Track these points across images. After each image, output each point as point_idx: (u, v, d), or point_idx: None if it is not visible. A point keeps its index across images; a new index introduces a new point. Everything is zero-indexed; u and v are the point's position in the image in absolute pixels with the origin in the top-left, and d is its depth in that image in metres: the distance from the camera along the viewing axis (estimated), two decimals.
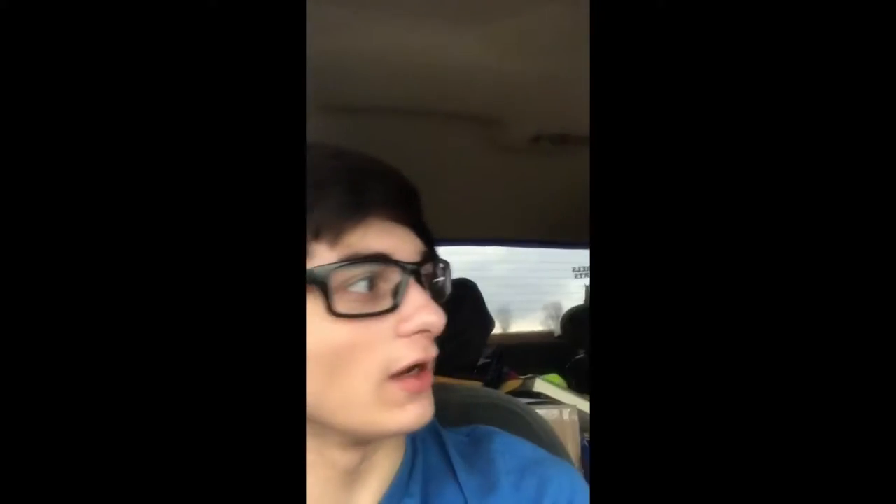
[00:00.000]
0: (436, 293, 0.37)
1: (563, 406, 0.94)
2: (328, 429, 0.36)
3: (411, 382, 0.34)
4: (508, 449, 0.42)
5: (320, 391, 0.33)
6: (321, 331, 0.33)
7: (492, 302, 1.11)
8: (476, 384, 0.67)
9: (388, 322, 0.34)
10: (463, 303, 0.96)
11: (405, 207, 0.36)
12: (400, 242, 0.35)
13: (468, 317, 0.96)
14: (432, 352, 0.35)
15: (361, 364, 0.33)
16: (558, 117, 0.87)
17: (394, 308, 0.34)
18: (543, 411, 0.84)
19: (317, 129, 0.83)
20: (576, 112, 0.84)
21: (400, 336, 0.34)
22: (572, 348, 1.68)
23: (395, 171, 0.37)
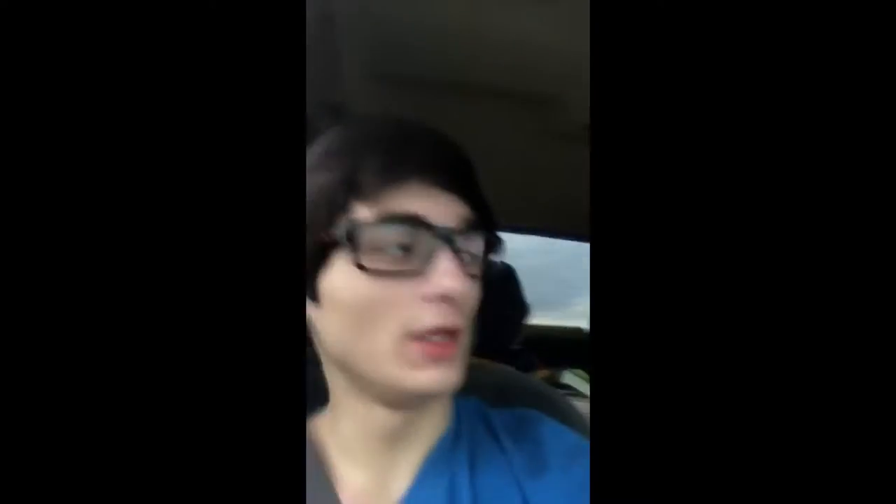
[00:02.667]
0: (473, 264, 0.37)
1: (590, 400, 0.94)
2: (365, 382, 0.37)
3: (431, 347, 0.34)
4: (556, 434, 0.42)
5: (350, 339, 0.36)
6: (349, 282, 0.35)
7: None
8: (509, 368, 0.67)
9: (414, 283, 0.34)
10: (502, 286, 0.96)
11: (450, 173, 0.36)
12: (439, 207, 0.35)
13: (506, 301, 0.96)
14: (456, 321, 0.35)
15: (384, 320, 0.34)
16: None
17: (421, 270, 0.34)
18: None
19: (368, 97, 0.82)
20: None
21: (423, 299, 0.34)
22: None
23: (443, 138, 0.37)
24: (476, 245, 0.37)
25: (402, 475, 0.40)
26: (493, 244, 0.38)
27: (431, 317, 0.34)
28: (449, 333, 0.35)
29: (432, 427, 0.41)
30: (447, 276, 0.34)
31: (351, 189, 0.34)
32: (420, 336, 0.34)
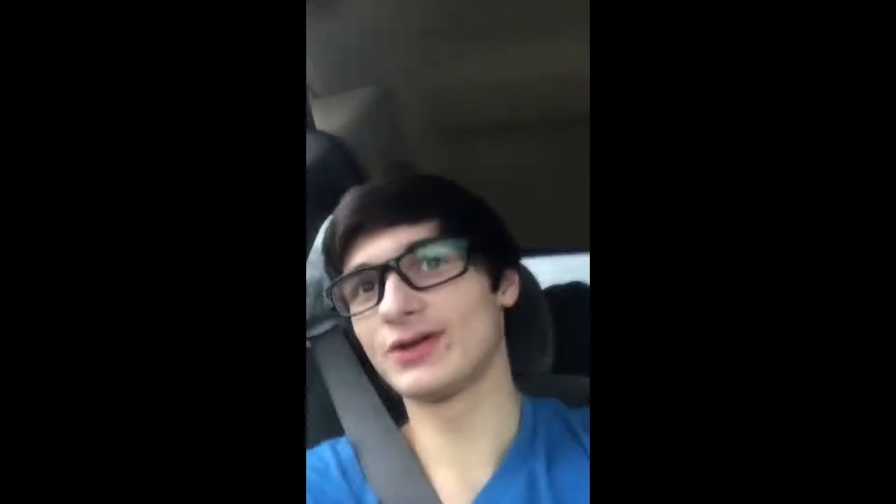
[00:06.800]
0: (439, 268, 0.44)
1: None
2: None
3: (399, 355, 0.43)
4: None
5: (374, 362, 0.46)
6: (354, 326, 0.47)
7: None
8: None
9: (377, 313, 0.43)
10: (577, 306, 0.96)
11: (394, 211, 0.44)
12: (381, 247, 0.44)
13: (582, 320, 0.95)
14: (413, 331, 0.42)
15: (373, 345, 0.45)
16: None
17: (378, 302, 0.43)
18: None
19: (434, 154, 0.88)
20: None
21: (383, 322, 0.43)
22: None
23: (387, 186, 0.47)
24: (437, 251, 0.44)
25: (482, 469, 0.45)
26: (446, 243, 0.44)
27: (389, 335, 0.43)
28: (413, 342, 0.42)
29: (501, 424, 0.47)
30: (386, 301, 0.42)
31: (328, 265, 0.48)
32: (391, 349, 0.43)
